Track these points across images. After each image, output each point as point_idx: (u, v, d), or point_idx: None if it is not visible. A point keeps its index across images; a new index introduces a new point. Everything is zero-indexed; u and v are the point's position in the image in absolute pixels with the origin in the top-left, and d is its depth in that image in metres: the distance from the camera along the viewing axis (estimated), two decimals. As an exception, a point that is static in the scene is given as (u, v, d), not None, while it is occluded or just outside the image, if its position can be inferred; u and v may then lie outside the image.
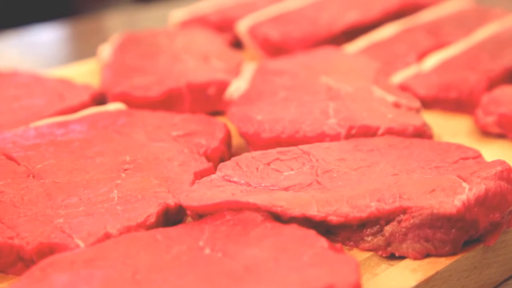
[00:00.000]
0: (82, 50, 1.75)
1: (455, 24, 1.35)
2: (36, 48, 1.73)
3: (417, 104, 1.00)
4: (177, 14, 1.46)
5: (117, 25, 1.94)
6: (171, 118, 1.00)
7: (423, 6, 1.46)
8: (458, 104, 1.11)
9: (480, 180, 0.78)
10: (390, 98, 1.01)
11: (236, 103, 1.03)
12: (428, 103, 1.13)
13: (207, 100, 1.12)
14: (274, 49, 1.34)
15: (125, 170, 0.87)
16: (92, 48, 1.39)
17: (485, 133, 1.04)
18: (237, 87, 1.08)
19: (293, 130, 0.94)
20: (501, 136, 1.02)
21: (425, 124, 0.96)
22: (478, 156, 0.87)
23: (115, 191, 0.82)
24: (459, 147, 0.89)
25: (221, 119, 1.11)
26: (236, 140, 1.02)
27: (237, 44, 1.41)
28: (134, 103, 1.09)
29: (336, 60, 1.14)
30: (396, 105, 1.00)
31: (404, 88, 1.13)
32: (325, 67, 1.12)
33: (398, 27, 1.35)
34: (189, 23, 1.44)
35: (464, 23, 1.36)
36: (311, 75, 1.09)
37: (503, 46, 1.24)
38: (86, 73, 1.33)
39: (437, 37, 1.30)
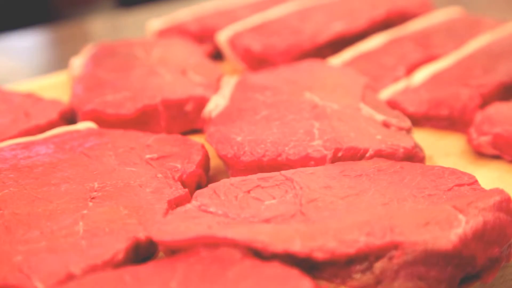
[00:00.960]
0: (63, 56, 1.67)
1: (445, 35, 1.29)
2: (16, 55, 1.66)
3: (407, 124, 0.94)
4: (155, 23, 1.39)
5: (99, 30, 1.86)
6: (145, 138, 0.93)
7: (411, 15, 1.40)
8: (450, 121, 1.05)
9: (478, 212, 0.72)
10: (379, 117, 0.95)
11: (215, 122, 0.97)
12: (418, 121, 1.07)
13: (185, 118, 1.06)
14: (256, 61, 1.27)
15: (93, 198, 0.80)
16: (73, 55, 1.32)
17: (479, 153, 0.98)
18: (216, 104, 1.02)
19: (275, 153, 0.88)
20: (496, 157, 0.97)
21: (416, 146, 0.90)
22: (473, 182, 0.81)
23: (81, 223, 0.75)
24: (453, 172, 0.83)
25: (199, 138, 1.04)
26: (215, 161, 0.95)
27: (217, 55, 1.34)
28: (106, 121, 1.02)
29: (321, 75, 1.08)
30: (386, 125, 0.94)
31: (392, 104, 1.07)
32: (310, 82, 1.05)
33: (386, 37, 1.29)
34: (167, 32, 1.37)
35: (454, 33, 1.30)
36: (295, 91, 1.03)
37: (496, 58, 1.18)
38: (60, 85, 1.26)
39: (427, 48, 1.24)
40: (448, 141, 1.02)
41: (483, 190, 0.79)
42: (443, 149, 1.00)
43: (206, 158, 0.91)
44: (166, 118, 1.04)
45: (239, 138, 0.90)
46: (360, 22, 1.31)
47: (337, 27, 1.29)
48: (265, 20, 1.33)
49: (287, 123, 0.94)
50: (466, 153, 0.99)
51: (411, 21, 1.37)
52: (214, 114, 0.99)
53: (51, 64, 1.62)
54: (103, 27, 1.89)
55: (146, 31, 1.41)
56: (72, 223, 0.75)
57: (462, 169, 0.93)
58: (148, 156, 0.89)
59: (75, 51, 1.35)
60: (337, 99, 1.01)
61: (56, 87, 1.26)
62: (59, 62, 1.57)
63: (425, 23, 1.35)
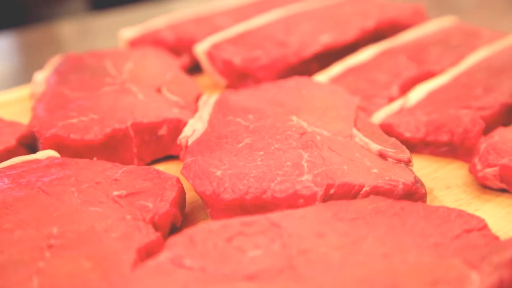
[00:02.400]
0: (30, 64, 1.56)
1: (441, 48, 1.20)
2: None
3: (406, 155, 0.84)
4: (127, 32, 1.29)
5: (70, 35, 1.75)
6: (113, 171, 0.83)
7: (404, 26, 1.31)
8: (450, 148, 0.96)
9: (493, 269, 0.63)
10: (375, 147, 0.86)
11: (192, 150, 0.86)
12: (415, 146, 0.98)
13: (158, 143, 0.96)
14: (237, 75, 1.17)
15: (51, 247, 0.69)
16: (42, 62, 1.22)
17: (484, 185, 0.89)
18: (193, 129, 0.91)
19: (259, 190, 0.78)
20: (503, 190, 0.87)
21: (417, 181, 0.81)
22: (483, 227, 0.72)
23: (35, 281, 0.65)
24: (459, 214, 0.73)
25: (174, 166, 0.95)
26: (192, 194, 0.85)
27: (196, 67, 1.24)
28: (70, 147, 0.91)
29: (309, 95, 0.98)
30: (382, 156, 0.85)
31: (387, 128, 0.98)
32: (297, 104, 0.96)
33: (376, 50, 1.19)
34: (140, 42, 1.26)
35: (450, 46, 1.21)
36: (281, 114, 0.93)
37: (497, 75, 1.09)
38: (22, 100, 1.16)
39: (421, 64, 1.15)
40: (449, 171, 0.93)
41: (495, 237, 0.70)
42: (443, 181, 0.90)
43: (181, 194, 0.81)
44: (137, 143, 0.94)
45: (218, 172, 0.80)
46: (349, 34, 1.22)
47: (325, 39, 1.19)
48: (247, 30, 1.23)
49: (272, 153, 0.84)
50: (469, 185, 0.89)
51: (404, 32, 1.28)
52: (191, 141, 0.89)
53: (16, 73, 1.51)
54: (74, 31, 1.78)
55: (119, 40, 1.30)
56: (25, 279, 0.65)
57: (466, 205, 0.85)
58: (115, 193, 0.78)
59: (43, 58, 1.25)
60: (327, 124, 0.91)
61: (18, 104, 1.15)
62: (25, 72, 1.46)
63: (418, 35, 1.25)
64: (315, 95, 0.98)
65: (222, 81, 1.19)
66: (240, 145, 0.86)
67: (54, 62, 1.16)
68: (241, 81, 1.18)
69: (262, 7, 1.38)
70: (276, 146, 0.86)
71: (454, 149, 0.96)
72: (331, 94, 0.99)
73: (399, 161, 0.83)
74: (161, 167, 0.95)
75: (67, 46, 1.68)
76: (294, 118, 0.92)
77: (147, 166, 0.84)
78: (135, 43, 1.27)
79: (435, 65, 1.15)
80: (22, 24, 1.86)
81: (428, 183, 0.89)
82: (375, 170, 0.81)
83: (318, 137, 0.87)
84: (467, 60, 1.15)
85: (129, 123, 0.93)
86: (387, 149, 0.85)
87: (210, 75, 1.20)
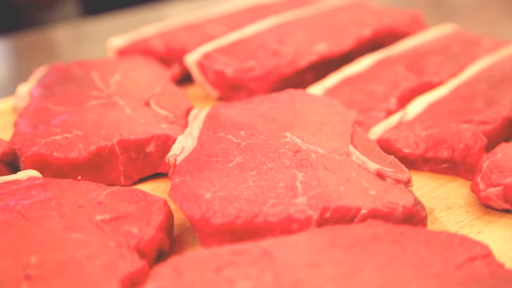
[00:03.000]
0: (23, 69, 1.52)
1: (440, 58, 1.16)
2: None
3: (405, 175, 0.80)
4: (116, 41, 1.24)
5: (64, 39, 1.70)
6: (97, 193, 0.78)
7: (401, 34, 1.27)
8: (451, 164, 0.92)
9: (499, 304, 0.59)
10: (372, 166, 0.82)
11: (180, 170, 0.82)
12: (414, 162, 0.94)
13: (146, 160, 0.91)
14: (229, 86, 1.13)
15: (28, 278, 0.65)
16: (35, 67, 1.17)
17: (487, 206, 0.85)
18: (182, 146, 0.87)
19: (251, 214, 0.74)
20: (506, 211, 0.83)
21: (417, 204, 0.77)
22: (487, 254, 0.68)
23: (10, 317, 0.61)
24: (462, 241, 0.69)
25: (163, 185, 0.90)
26: (180, 216, 0.81)
27: (187, 77, 1.20)
28: (53, 166, 0.87)
29: (304, 109, 0.94)
30: (380, 176, 0.81)
31: (385, 143, 0.94)
32: (291, 119, 0.91)
33: (373, 60, 1.15)
34: (129, 51, 1.22)
35: (450, 56, 1.17)
36: (274, 130, 0.89)
37: (498, 86, 1.05)
38: (7, 113, 1.11)
39: (420, 74, 1.11)
40: (450, 189, 0.89)
41: (499, 266, 0.66)
42: (444, 200, 0.86)
43: (169, 218, 0.77)
44: (124, 161, 0.89)
45: (208, 195, 0.76)
46: (345, 43, 1.17)
47: (320, 49, 1.15)
48: (239, 39, 1.18)
49: (265, 174, 0.80)
50: (472, 204, 0.85)
51: (402, 41, 1.24)
52: (179, 159, 0.85)
53: (5, 81, 1.47)
54: (67, 36, 1.74)
55: (107, 49, 1.26)
56: (0, 315, 0.61)
57: (468, 226, 0.82)
58: (99, 217, 0.74)
59: (35, 64, 1.21)
60: (322, 141, 0.87)
61: (1, 117, 1.11)
62: (14, 80, 1.42)
63: (416, 43, 1.21)
64: (310, 110, 0.94)
65: (214, 93, 1.15)
66: (231, 164, 0.82)
67: (39, 73, 1.12)
68: (234, 92, 1.14)
69: (255, 15, 1.34)
70: (269, 165, 0.82)
71: (455, 166, 0.92)
72: (326, 108, 0.95)
73: (398, 181, 0.79)
74: (149, 185, 0.91)
75: (59, 52, 1.64)
76: (288, 134, 0.88)
77: (132, 188, 0.79)
78: (124, 52, 1.23)
79: (434, 76, 1.11)
80: (13, 30, 1.82)
81: (428, 202, 0.85)
82: (373, 192, 0.77)
83: (313, 155, 0.83)
84: (467, 70, 1.11)
85: (115, 140, 0.89)
86: (386, 169, 0.81)
87: (202, 86, 1.16)
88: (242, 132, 0.89)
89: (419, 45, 1.21)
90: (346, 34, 1.20)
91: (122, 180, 0.90)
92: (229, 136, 0.88)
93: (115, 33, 1.28)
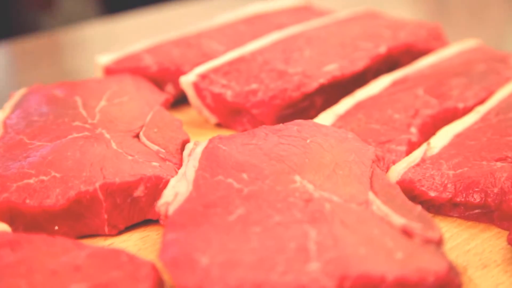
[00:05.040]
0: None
1: (464, 80, 1.04)
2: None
3: (436, 233, 0.68)
4: (105, 59, 1.12)
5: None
6: (74, 254, 0.66)
7: (420, 51, 1.15)
8: (484, 211, 0.81)
9: None
10: (397, 220, 0.70)
11: (173, 224, 0.70)
12: (442, 207, 0.82)
13: (134, 206, 0.80)
14: (230, 111, 1.02)
15: None
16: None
17: (528, 263, 0.73)
18: (175, 192, 0.76)
19: (255, 285, 0.62)
20: (552, 270, 0.72)
21: (451, 269, 0.65)
22: None
23: None
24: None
25: (153, 234, 0.79)
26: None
27: (184, 98, 1.08)
28: (26, 215, 0.75)
29: (316, 146, 0.82)
30: (407, 233, 0.69)
31: (407, 185, 0.82)
32: (301, 158, 0.80)
33: (389, 81, 1.04)
34: (120, 70, 1.10)
35: (475, 77, 1.05)
36: (281, 173, 0.77)
37: (532, 115, 0.93)
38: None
39: (443, 99, 0.99)
40: (484, 241, 0.77)
41: None
42: (478, 256, 0.75)
43: (158, 283, 0.65)
44: (108, 208, 0.78)
45: (204, 260, 0.64)
46: (358, 64, 1.05)
47: (331, 71, 1.03)
48: (240, 58, 1.06)
49: (271, 230, 0.68)
50: (510, 262, 0.74)
51: (420, 59, 1.11)
52: (172, 209, 0.73)
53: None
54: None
55: (95, 67, 1.14)
56: None
57: (508, 291, 0.70)
58: (75, 286, 0.62)
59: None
60: (338, 187, 0.75)
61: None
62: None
63: (436, 62, 1.09)
64: (322, 146, 0.82)
65: (212, 118, 1.03)
66: (232, 217, 0.70)
67: (16, 97, 1.00)
68: (234, 118, 1.02)
69: (257, 27, 1.22)
70: (276, 219, 0.70)
71: (488, 212, 0.80)
72: (341, 144, 0.83)
73: (427, 241, 0.68)
74: (138, 235, 0.80)
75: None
76: (298, 178, 0.76)
77: (116, 250, 0.67)
78: (112, 71, 1.10)
79: (458, 101, 0.99)
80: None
81: (460, 258, 0.74)
82: (399, 255, 0.65)
83: (328, 206, 0.72)
84: (496, 95, 0.99)
85: (97, 184, 0.77)
86: (413, 224, 0.69)
87: (199, 111, 1.04)
88: (245, 175, 0.77)
89: (440, 63, 1.09)
90: (359, 52, 1.08)
91: (106, 229, 0.78)
92: (230, 180, 0.76)
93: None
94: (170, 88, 1.08)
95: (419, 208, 0.72)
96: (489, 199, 0.80)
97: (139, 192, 0.79)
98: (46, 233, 0.75)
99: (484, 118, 0.94)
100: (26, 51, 1.51)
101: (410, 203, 0.74)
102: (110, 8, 1.80)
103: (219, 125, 1.04)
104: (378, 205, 0.73)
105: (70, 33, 1.57)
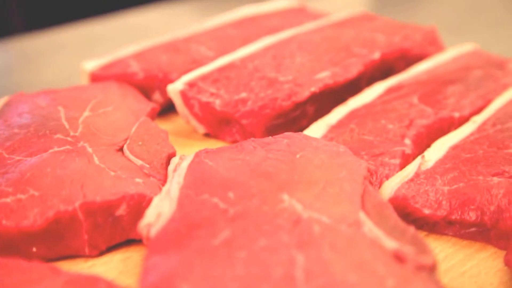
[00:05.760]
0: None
1: (460, 87, 1.01)
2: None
3: (429, 258, 0.65)
4: (90, 65, 1.09)
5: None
6: (50, 282, 0.63)
7: (415, 57, 1.11)
8: (480, 229, 0.78)
9: None
10: (389, 244, 0.67)
11: (155, 247, 0.67)
12: (436, 225, 0.79)
13: (116, 226, 0.76)
14: (218, 121, 0.98)
15: None
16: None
17: (526, 286, 0.70)
18: (157, 212, 0.72)
19: (239, 316, 0.59)
20: (550, 295, 0.69)
21: (445, 298, 0.62)
22: None
23: None
24: None
25: (136, 255, 0.76)
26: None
27: (171, 107, 1.05)
28: (2, 236, 0.72)
29: (305, 161, 0.79)
30: (399, 258, 0.66)
31: (400, 202, 0.79)
32: (289, 175, 0.76)
33: (383, 88, 1.01)
34: (106, 77, 1.07)
35: (472, 84, 1.02)
36: (269, 191, 0.74)
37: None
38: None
39: (438, 108, 0.96)
40: (480, 262, 0.74)
41: None
42: (474, 278, 0.72)
43: (138, 314, 0.62)
44: (89, 228, 0.74)
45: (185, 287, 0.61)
46: (351, 71, 1.02)
47: (323, 79, 0.99)
48: (230, 64, 1.03)
49: (257, 256, 0.65)
50: (507, 284, 0.71)
51: (415, 66, 1.08)
52: (154, 230, 0.70)
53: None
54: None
55: (81, 73, 1.10)
56: None
57: (505, 317, 0.67)
58: (50, 318, 0.60)
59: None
60: (327, 206, 0.72)
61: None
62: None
63: (432, 68, 1.06)
64: (312, 162, 0.79)
65: (201, 128, 1.00)
66: (216, 241, 0.67)
67: (-2, 106, 0.96)
68: (223, 127, 0.99)
69: (247, 31, 1.18)
70: (263, 243, 0.67)
71: (485, 230, 0.77)
72: (332, 159, 0.80)
73: (421, 267, 0.64)
74: (120, 256, 0.76)
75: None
76: (286, 197, 0.73)
77: (94, 277, 0.64)
78: (98, 77, 1.07)
79: (454, 110, 0.96)
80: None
81: (455, 282, 0.71)
82: (390, 282, 0.62)
83: (317, 227, 0.68)
84: (494, 103, 0.96)
85: (77, 204, 0.74)
86: (405, 249, 0.66)
87: (186, 120, 1.01)
88: (231, 194, 0.74)
89: (435, 69, 1.06)
90: (352, 58, 1.05)
91: (87, 250, 0.75)
92: (215, 199, 0.73)
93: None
94: (157, 95, 1.05)
95: (412, 230, 0.69)
96: (486, 217, 0.77)
97: (121, 211, 0.76)
98: (24, 255, 0.72)
99: (480, 129, 0.91)
100: (7, 55, 1.47)
101: (403, 224, 0.70)
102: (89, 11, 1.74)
103: (207, 135, 1.01)
104: (369, 227, 0.69)
105: (48, 37, 1.53)
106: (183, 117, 1.01)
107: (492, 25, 1.55)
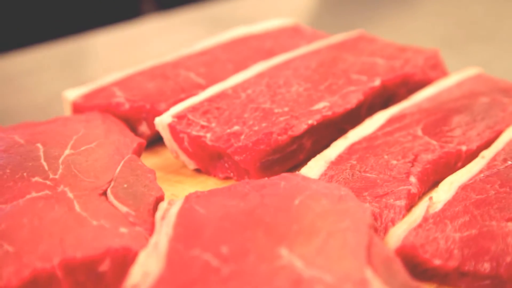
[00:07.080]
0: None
1: (466, 117, 0.95)
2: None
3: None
4: (72, 94, 1.02)
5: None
6: None
7: (417, 83, 1.05)
8: (495, 281, 0.71)
9: None
10: (399, 309, 0.61)
11: (141, 313, 0.61)
12: (447, 276, 0.73)
13: (98, 283, 0.70)
14: (209, 156, 0.92)
15: None
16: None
17: None
18: (144, 271, 0.66)
19: None
20: None
21: None
22: None
23: None
24: None
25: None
26: None
27: (158, 139, 0.98)
28: (-27, 299, 0.66)
29: (305, 209, 0.72)
30: (410, 325, 0.60)
31: (408, 251, 0.73)
32: (288, 225, 0.70)
33: (385, 118, 0.95)
34: (88, 108, 1.00)
35: (478, 114, 0.96)
36: (266, 246, 0.67)
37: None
38: None
39: (444, 141, 0.90)
40: (496, 320, 0.68)
41: None
42: None
43: None
44: (69, 286, 0.68)
45: None
46: (350, 101, 0.96)
47: (321, 110, 0.93)
48: (221, 94, 0.97)
49: (254, 324, 0.59)
50: None
51: (418, 92, 1.02)
52: (140, 292, 0.64)
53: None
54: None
55: (63, 103, 1.04)
56: None
57: None
58: None
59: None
60: (330, 262, 0.66)
61: None
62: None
63: (436, 95, 1.00)
64: (312, 210, 0.73)
65: (191, 164, 0.94)
66: (208, 306, 0.61)
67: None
68: (215, 163, 0.92)
69: (241, 55, 1.12)
70: (260, 308, 0.61)
71: (500, 283, 0.71)
72: (334, 205, 0.74)
73: (435, 336, 0.59)
74: (103, 316, 0.70)
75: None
76: (285, 252, 0.67)
77: None
78: (80, 108, 1.00)
79: (461, 143, 0.90)
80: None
81: None
82: None
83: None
84: (503, 136, 0.90)
85: (56, 261, 0.67)
86: (418, 314, 0.60)
87: (176, 155, 0.94)
88: (224, 249, 0.67)
89: (439, 96, 1.00)
90: (351, 87, 0.98)
91: (67, 310, 0.69)
92: (207, 255, 0.66)
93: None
94: (144, 127, 0.99)
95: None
96: (501, 269, 0.71)
97: (104, 266, 0.69)
98: (-3, 319, 0.66)
99: (490, 165, 0.85)
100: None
101: (412, 283, 0.64)
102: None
103: (198, 170, 0.95)
104: (376, 286, 0.63)
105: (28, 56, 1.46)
106: (172, 152, 0.94)
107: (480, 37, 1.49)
